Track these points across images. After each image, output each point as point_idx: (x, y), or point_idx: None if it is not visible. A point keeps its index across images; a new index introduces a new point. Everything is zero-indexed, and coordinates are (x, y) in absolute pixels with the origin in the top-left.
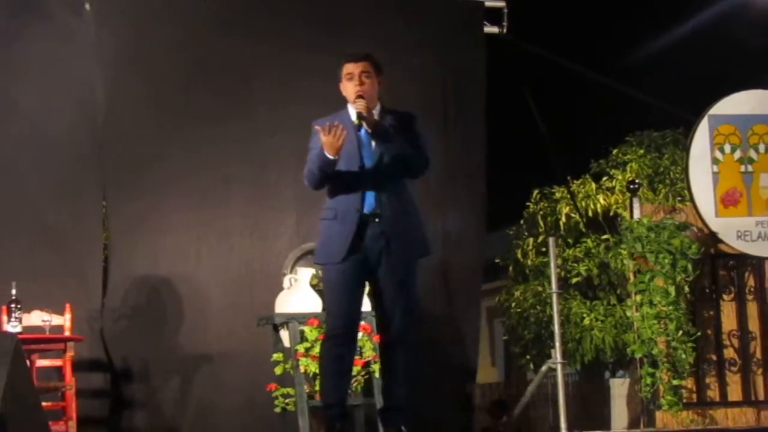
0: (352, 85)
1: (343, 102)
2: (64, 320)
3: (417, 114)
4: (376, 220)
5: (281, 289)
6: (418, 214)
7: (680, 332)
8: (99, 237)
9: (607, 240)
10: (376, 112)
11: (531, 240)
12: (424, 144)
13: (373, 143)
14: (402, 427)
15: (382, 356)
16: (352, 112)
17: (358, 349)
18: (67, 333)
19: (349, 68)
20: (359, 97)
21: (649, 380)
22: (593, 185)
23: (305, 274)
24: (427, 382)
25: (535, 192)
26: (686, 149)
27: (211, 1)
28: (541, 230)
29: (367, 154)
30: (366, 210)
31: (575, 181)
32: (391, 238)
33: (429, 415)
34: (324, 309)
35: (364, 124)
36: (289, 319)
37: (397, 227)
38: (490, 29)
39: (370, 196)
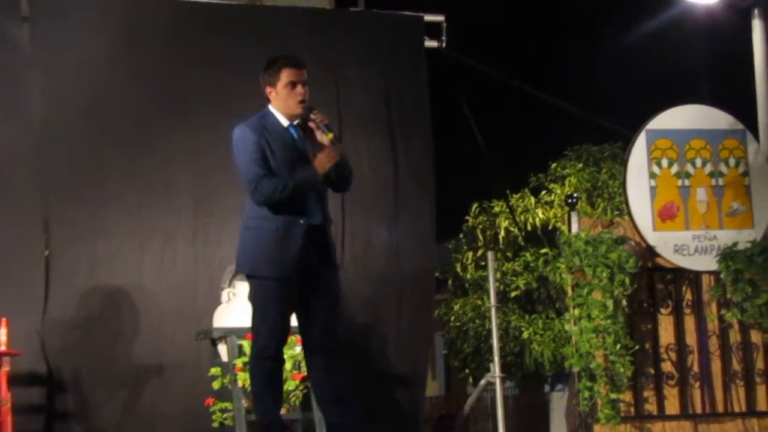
0: (295, 93)
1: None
2: (0, 335)
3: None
4: (319, 231)
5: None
6: None
7: (618, 346)
8: (40, 247)
9: (546, 254)
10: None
11: (470, 254)
12: None
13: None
14: None
15: (317, 369)
16: (279, 116)
17: (296, 363)
18: (3, 348)
19: (293, 75)
20: (311, 107)
21: (587, 394)
22: (532, 199)
23: (244, 288)
24: (378, 393)
25: (474, 206)
26: (624, 163)
27: (147, 12)
28: (480, 244)
29: (307, 162)
30: (312, 221)
31: (514, 195)
32: (330, 248)
33: (378, 427)
34: (255, 325)
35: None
36: (227, 334)
37: (331, 237)
38: (430, 43)
39: (313, 207)
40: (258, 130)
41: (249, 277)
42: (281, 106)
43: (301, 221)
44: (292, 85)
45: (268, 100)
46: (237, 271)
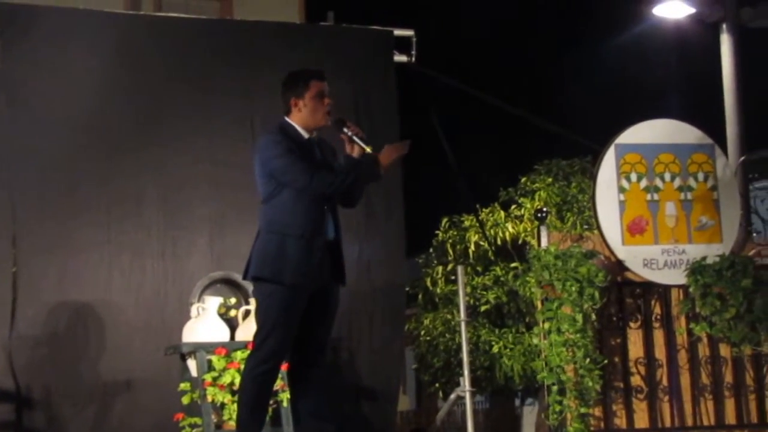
0: (323, 103)
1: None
2: None
3: None
4: (333, 245)
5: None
6: None
7: (588, 360)
8: (7, 262)
9: (515, 268)
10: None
11: (440, 268)
12: None
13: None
14: None
15: (305, 382)
16: (299, 128)
17: None
18: None
19: (321, 86)
20: (343, 119)
21: (557, 408)
22: (502, 213)
23: (213, 302)
24: (349, 408)
25: (444, 220)
26: (593, 178)
27: (117, 27)
28: (450, 258)
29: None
30: (329, 235)
31: (484, 210)
32: (342, 263)
33: None
34: (263, 331)
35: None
36: (197, 349)
37: (342, 252)
38: (399, 58)
39: (327, 221)
40: (286, 138)
41: (263, 281)
42: (307, 117)
43: (322, 233)
44: (321, 96)
45: (288, 113)
46: (250, 276)
